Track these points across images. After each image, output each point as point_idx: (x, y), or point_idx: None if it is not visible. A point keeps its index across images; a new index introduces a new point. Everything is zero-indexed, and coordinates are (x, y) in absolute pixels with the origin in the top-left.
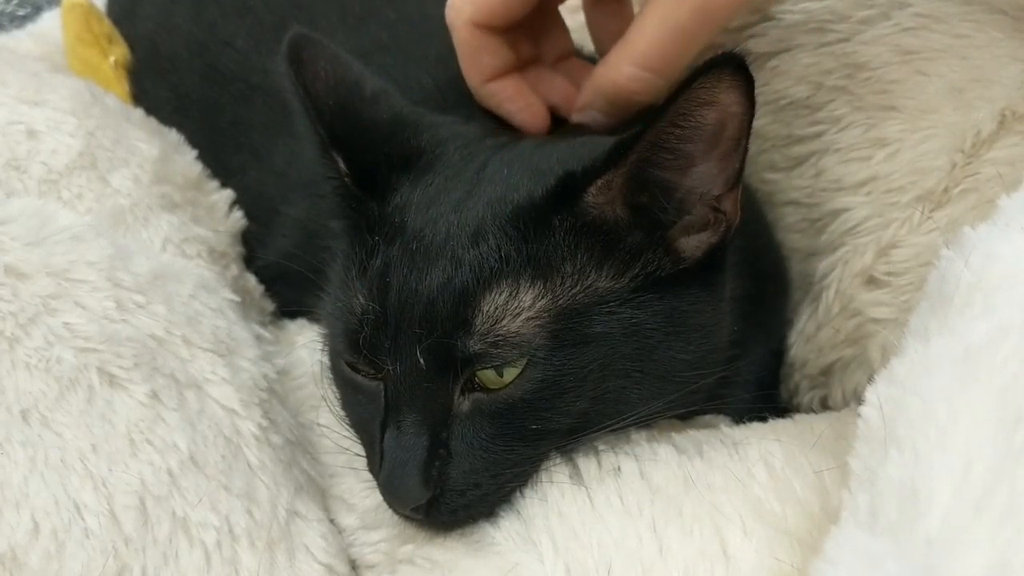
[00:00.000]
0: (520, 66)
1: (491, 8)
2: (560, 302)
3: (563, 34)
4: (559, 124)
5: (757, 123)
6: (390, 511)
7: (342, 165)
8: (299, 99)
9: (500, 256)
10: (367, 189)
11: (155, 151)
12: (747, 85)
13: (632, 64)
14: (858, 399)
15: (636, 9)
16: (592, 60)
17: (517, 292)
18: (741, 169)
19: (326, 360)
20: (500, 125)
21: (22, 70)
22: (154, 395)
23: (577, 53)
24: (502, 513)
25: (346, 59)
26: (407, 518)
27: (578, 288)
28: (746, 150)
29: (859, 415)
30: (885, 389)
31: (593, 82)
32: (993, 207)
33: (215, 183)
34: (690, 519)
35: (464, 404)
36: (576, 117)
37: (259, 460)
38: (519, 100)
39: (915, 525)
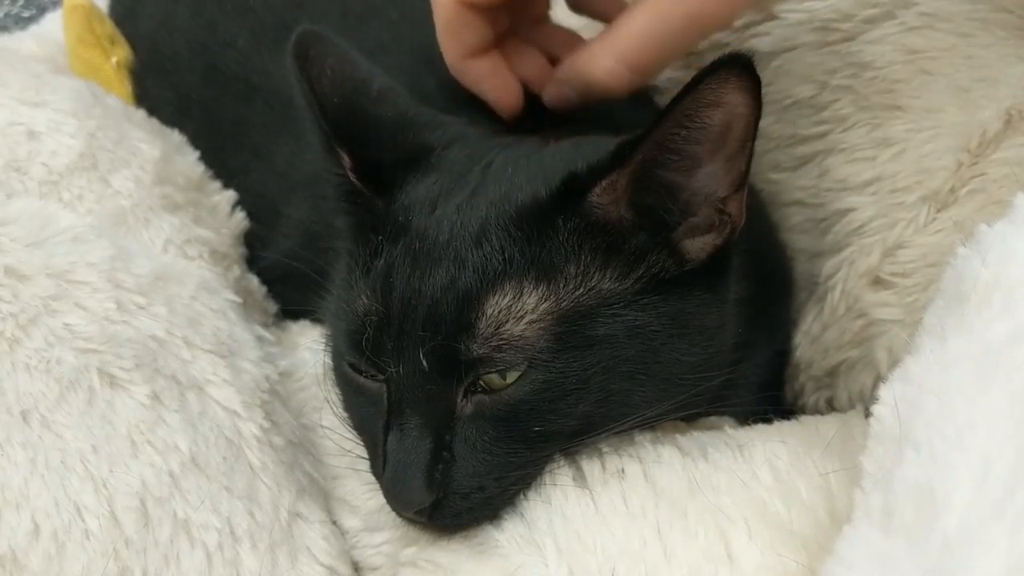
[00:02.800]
0: (497, 41)
1: None
2: (563, 304)
3: (539, 1)
4: (530, 100)
5: (761, 123)
6: (393, 513)
7: (347, 160)
8: (304, 95)
9: (503, 257)
10: (372, 186)
11: (157, 152)
12: (754, 86)
13: (613, 58)
14: (864, 400)
15: None
16: None
17: (520, 294)
18: (747, 171)
19: (329, 361)
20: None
21: (23, 71)
22: (155, 396)
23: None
24: (506, 516)
25: (354, 57)
26: (410, 521)
27: (581, 290)
28: (752, 152)
29: (872, 414)
30: (900, 388)
31: (571, 66)
32: (1002, 207)
33: (217, 184)
34: (694, 522)
35: (467, 407)
36: (548, 90)
37: (261, 462)
38: (495, 79)
39: (932, 526)
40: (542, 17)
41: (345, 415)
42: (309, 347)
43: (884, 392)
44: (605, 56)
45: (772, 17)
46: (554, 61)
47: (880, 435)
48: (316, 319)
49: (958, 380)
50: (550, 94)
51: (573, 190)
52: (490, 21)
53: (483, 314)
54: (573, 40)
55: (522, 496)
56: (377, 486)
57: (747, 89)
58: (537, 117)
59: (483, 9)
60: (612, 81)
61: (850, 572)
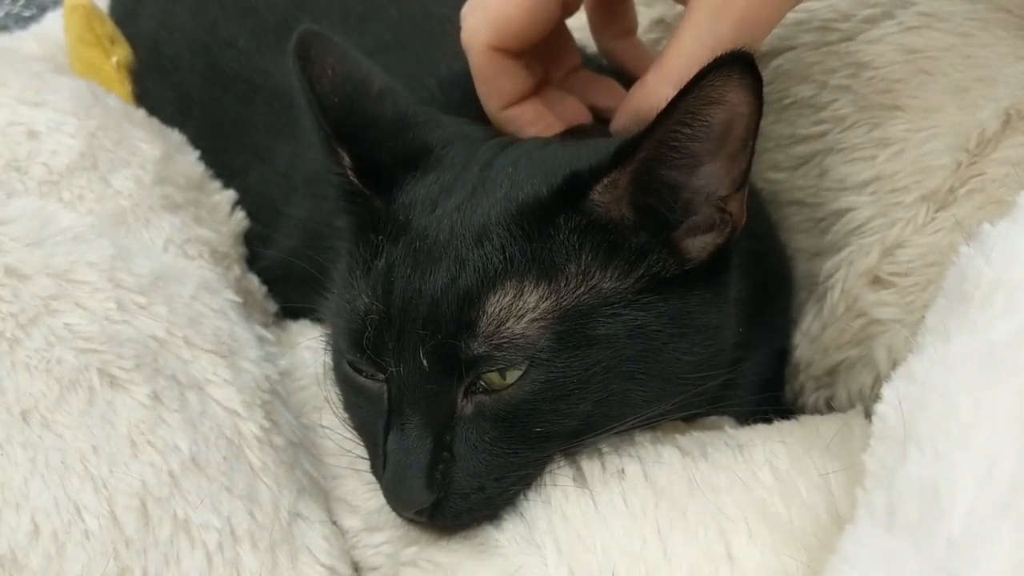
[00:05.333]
0: (536, 89)
1: (510, 31)
2: (564, 303)
3: (571, 49)
4: None
5: (761, 122)
6: (393, 513)
7: (347, 159)
8: (304, 94)
9: (504, 256)
10: (372, 185)
11: (157, 152)
12: (755, 84)
13: (669, 85)
14: (864, 400)
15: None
16: (593, 61)
17: (521, 293)
18: (748, 170)
19: (329, 361)
20: None
21: (23, 71)
22: (155, 396)
23: (584, 64)
24: (506, 516)
25: (355, 56)
26: (410, 521)
27: (582, 289)
28: (753, 151)
29: (875, 412)
30: (903, 386)
31: (630, 106)
32: (1001, 207)
33: (217, 184)
34: (694, 521)
35: (468, 406)
36: None
37: (261, 461)
38: (540, 123)
39: (936, 525)
40: (575, 67)
41: (345, 415)
42: (309, 347)
43: (887, 391)
44: (662, 86)
45: None
46: (593, 109)
47: (883, 433)
48: (316, 319)
49: (962, 379)
50: None
51: (574, 189)
52: (526, 68)
53: (484, 313)
54: (611, 87)
55: (522, 496)
56: (377, 486)
57: (749, 87)
58: None
59: (517, 55)
60: None
61: (855, 570)
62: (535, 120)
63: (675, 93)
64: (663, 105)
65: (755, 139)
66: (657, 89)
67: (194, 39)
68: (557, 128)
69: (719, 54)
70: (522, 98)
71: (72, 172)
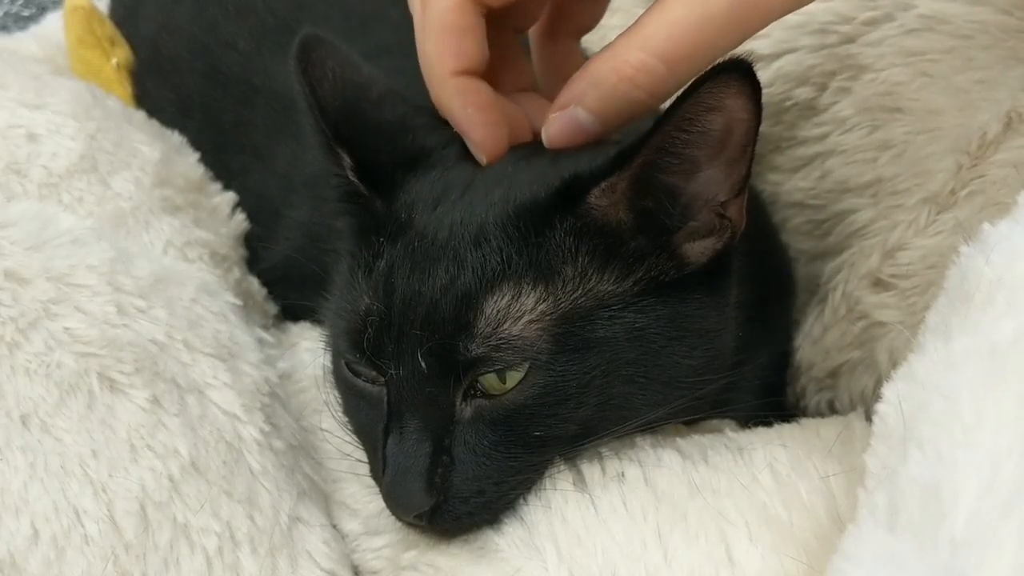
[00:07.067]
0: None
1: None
2: (562, 305)
3: (524, 67)
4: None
5: (761, 125)
6: (393, 517)
7: (347, 160)
8: (305, 98)
9: (502, 258)
10: (372, 187)
11: (157, 153)
12: (754, 91)
13: (644, 51)
14: (865, 402)
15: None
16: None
17: (519, 295)
18: (747, 176)
19: (329, 364)
20: None
21: (23, 72)
22: (155, 400)
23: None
24: (506, 519)
25: (356, 61)
26: (410, 525)
27: (579, 291)
28: (752, 156)
29: (876, 412)
30: (904, 386)
31: (588, 72)
32: (1001, 209)
33: (217, 185)
34: (695, 525)
35: (466, 410)
36: (552, 124)
37: (261, 465)
38: (489, 112)
39: (939, 525)
40: (527, 86)
41: (345, 419)
42: (309, 349)
43: (888, 390)
44: (633, 50)
45: None
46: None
47: (884, 433)
48: (316, 320)
49: (964, 379)
50: (554, 128)
51: (572, 192)
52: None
53: (482, 314)
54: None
55: (522, 500)
56: (377, 490)
57: (747, 94)
58: None
59: (492, 12)
60: (643, 79)
61: (858, 570)
62: (486, 105)
63: (649, 60)
64: (631, 72)
65: (754, 145)
66: (625, 53)
67: (194, 40)
68: (502, 128)
69: (707, 30)
70: (475, 72)
71: (72, 174)
